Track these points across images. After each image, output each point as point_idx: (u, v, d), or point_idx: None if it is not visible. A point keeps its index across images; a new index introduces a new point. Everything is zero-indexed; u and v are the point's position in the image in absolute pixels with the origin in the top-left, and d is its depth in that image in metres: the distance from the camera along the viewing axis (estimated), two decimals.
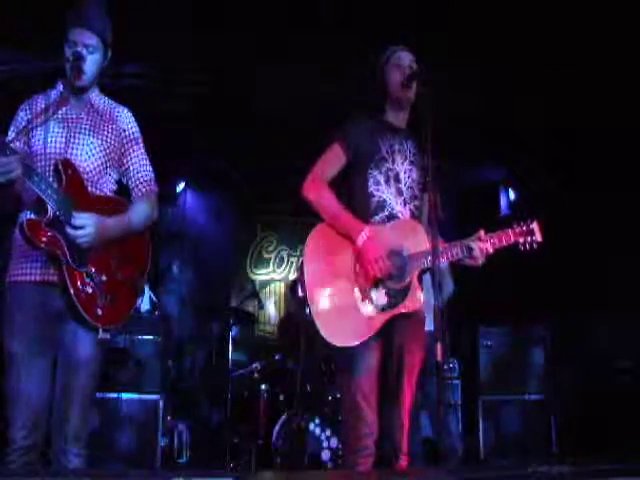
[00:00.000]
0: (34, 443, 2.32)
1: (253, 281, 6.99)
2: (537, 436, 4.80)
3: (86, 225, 2.34)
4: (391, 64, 2.76)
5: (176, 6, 4.30)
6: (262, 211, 7.25)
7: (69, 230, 2.33)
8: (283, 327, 5.92)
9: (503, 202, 6.91)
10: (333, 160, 2.71)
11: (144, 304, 5.10)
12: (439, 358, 2.24)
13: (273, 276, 7.24)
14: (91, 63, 2.50)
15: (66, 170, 2.39)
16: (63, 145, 2.48)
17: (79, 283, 2.36)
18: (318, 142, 2.76)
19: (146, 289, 5.15)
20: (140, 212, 2.58)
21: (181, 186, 6.81)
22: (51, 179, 2.37)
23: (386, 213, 2.65)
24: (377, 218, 2.64)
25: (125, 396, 4.34)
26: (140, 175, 2.64)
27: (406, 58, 2.75)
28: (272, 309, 7.11)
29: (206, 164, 6.41)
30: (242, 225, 7.19)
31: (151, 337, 4.54)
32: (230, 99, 5.34)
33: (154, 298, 5.37)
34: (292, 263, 7.27)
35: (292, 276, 7.14)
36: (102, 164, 2.54)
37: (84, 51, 2.47)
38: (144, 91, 5.12)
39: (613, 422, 4.49)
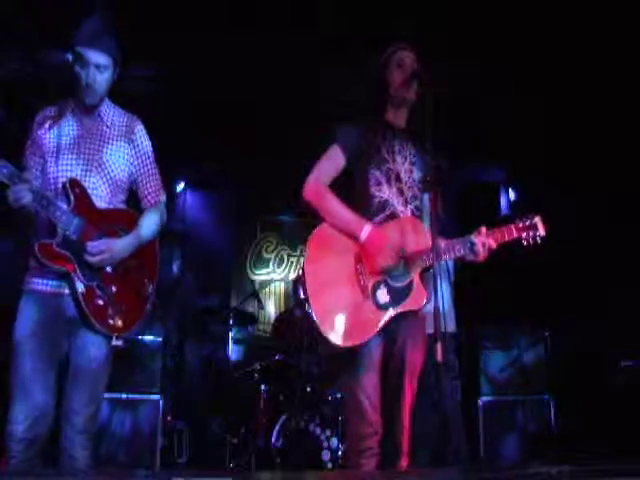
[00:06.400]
0: (34, 438, 2.38)
1: (253, 281, 7.00)
2: (537, 436, 4.80)
3: (103, 252, 2.50)
4: (392, 63, 2.76)
5: (179, 7, 4.30)
6: (262, 211, 7.25)
7: (88, 258, 2.48)
8: (279, 326, 5.90)
9: (503, 202, 6.91)
10: (333, 161, 2.71)
11: None
12: (439, 359, 2.24)
13: (273, 276, 7.24)
14: (102, 82, 2.60)
15: (74, 189, 2.52)
16: (74, 162, 2.57)
17: (91, 296, 2.50)
18: (318, 142, 2.75)
19: None
20: (150, 224, 2.72)
21: (181, 186, 6.81)
22: (59, 200, 2.50)
23: (388, 213, 2.65)
24: (378, 219, 2.64)
25: (125, 396, 4.34)
26: (150, 186, 2.79)
27: (407, 57, 2.75)
28: (272, 309, 7.11)
29: (206, 164, 6.41)
30: (242, 225, 7.19)
31: (151, 337, 4.54)
32: (230, 99, 5.34)
33: (154, 298, 5.36)
34: (292, 263, 7.27)
35: (292, 276, 7.14)
36: (111, 178, 2.64)
37: (96, 72, 2.56)
38: (144, 91, 5.13)
39: (613, 422, 4.49)
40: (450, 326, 4.12)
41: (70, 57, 2.56)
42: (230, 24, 4.51)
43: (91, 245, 2.49)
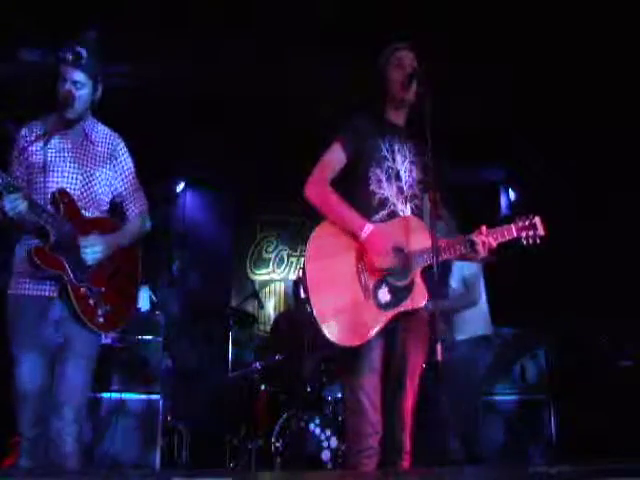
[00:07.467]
0: (41, 433, 2.57)
1: (253, 281, 6.99)
2: (537, 436, 4.80)
3: (95, 244, 2.67)
4: (391, 63, 2.76)
5: (174, 8, 4.30)
6: (262, 211, 7.25)
7: (82, 250, 2.63)
8: (279, 325, 5.90)
9: (503, 202, 6.91)
10: (334, 160, 2.71)
11: (144, 304, 5.10)
12: (439, 358, 2.24)
13: (273, 276, 7.24)
14: (79, 98, 2.73)
15: (63, 200, 2.69)
16: (59, 174, 2.73)
17: (81, 297, 2.66)
18: (318, 142, 2.75)
19: (146, 289, 5.16)
20: (134, 230, 2.93)
21: (181, 186, 6.82)
22: (50, 208, 2.65)
23: (387, 211, 2.65)
24: (378, 216, 2.64)
25: (125, 396, 4.34)
26: (133, 198, 2.97)
27: (406, 57, 2.75)
28: (272, 309, 7.11)
29: (206, 164, 6.41)
30: (242, 225, 7.19)
31: (151, 337, 4.54)
32: (230, 99, 5.34)
33: (154, 298, 5.37)
34: (292, 263, 7.26)
35: (292, 276, 7.13)
36: (96, 190, 2.82)
37: (72, 88, 2.69)
38: (144, 92, 5.13)
39: (613, 422, 4.49)
40: (486, 328, 4.23)
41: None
42: (229, 23, 4.51)
43: (82, 239, 2.64)
